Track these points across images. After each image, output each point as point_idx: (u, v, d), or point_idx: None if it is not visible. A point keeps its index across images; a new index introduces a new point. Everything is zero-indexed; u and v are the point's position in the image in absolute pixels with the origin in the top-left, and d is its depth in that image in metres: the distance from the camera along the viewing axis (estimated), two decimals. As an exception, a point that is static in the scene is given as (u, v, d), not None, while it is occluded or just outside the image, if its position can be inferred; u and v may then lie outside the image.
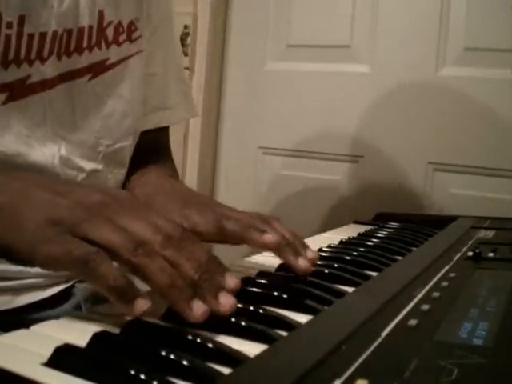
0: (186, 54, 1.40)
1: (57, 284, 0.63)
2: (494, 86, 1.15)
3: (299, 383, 0.24)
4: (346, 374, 0.25)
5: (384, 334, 0.30)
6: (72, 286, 0.66)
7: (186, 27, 1.39)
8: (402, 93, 1.24)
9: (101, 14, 0.63)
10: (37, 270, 0.62)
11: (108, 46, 0.64)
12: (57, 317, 0.36)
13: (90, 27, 0.62)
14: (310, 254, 0.47)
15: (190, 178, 1.45)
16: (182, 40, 1.40)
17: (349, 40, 1.30)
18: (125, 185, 0.70)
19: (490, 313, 0.35)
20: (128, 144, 0.69)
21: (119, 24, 0.65)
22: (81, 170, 0.64)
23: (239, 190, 1.45)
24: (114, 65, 0.65)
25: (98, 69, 0.63)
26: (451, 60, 1.20)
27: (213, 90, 1.44)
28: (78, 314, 0.37)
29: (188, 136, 1.44)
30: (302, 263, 0.45)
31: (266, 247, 0.47)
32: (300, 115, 1.36)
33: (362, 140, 1.29)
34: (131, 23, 0.66)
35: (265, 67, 1.40)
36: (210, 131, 1.46)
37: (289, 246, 0.46)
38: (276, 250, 0.46)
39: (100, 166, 0.66)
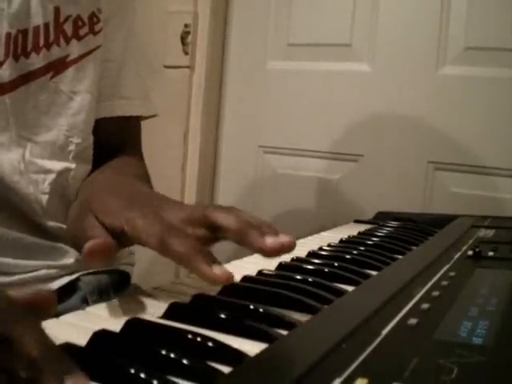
0: (186, 53, 1.40)
1: (60, 276, 0.63)
2: (494, 85, 1.15)
3: (299, 382, 0.24)
4: (346, 373, 0.25)
5: (384, 332, 0.30)
6: (77, 279, 0.67)
7: (186, 26, 1.39)
8: (402, 92, 1.24)
9: (56, 10, 0.62)
10: (37, 262, 0.63)
11: (68, 41, 0.63)
12: (64, 311, 0.36)
13: (46, 25, 0.61)
14: (283, 238, 0.38)
15: (190, 177, 1.45)
16: (183, 39, 1.40)
17: (349, 39, 1.30)
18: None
19: (490, 312, 0.35)
20: (93, 141, 0.67)
21: (78, 18, 0.64)
22: (48, 171, 0.62)
23: (239, 190, 1.45)
24: (75, 60, 0.64)
25: (58, 66, 0.62)
26: (452, 59, 1.20)
27: (213, 89, 1.44)
28: (78, 312, 0.37)
29: (188, 135, 1.44)
30: (269, 242, 0.37)
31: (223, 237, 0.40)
32: (300, 114, 1.36)
33: (362, 139, 1.29)
34: (92, 15, 0.65)
35: (265, 66, 1.40)
36: (210, 130, 1.46)
37: (253, 228, 0.38)
38: (238, 233, 0.39)
39: (72, 165, 0.65)
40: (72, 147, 0.64)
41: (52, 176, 0.63)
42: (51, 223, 0.64)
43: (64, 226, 0.65)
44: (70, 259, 0.65)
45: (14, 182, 0.59)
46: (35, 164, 0.61)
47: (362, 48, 1.29)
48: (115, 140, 0.72)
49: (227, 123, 1.47)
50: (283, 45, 1.38)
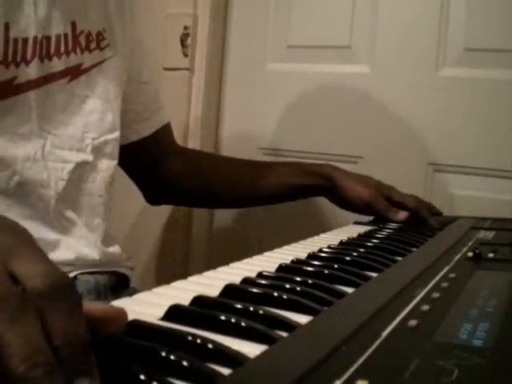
0: (185, 55, 1.40)
1: None
2: (494, 86, 1.15)
3: (299, 384, 0.24)
4: (346, 375, 0.25)
5: (384, 334, 0.30)
6: (75, 278, 0.67)
7: (185, 28, 1.39)
8: (401, 93, 1.24)
9: (73, 24, 0.70)
10: None
11: (82, 52, 0.72)
12: None
13: (65, 35, 0.69)
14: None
15: (190, 178, 1.45)
16: (182, 41, 1.40)
17: (349, 40, 1.30)
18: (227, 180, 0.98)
19: (490, 313, 0.35)
20: (114, 137, 0.76)
21: (89, 33, 0.73)
22: (67, 161, 0.69)
23: (239, 191, 1.45)
24: (88, 69, 0.73)
25: (74, 72, 0.71)
26: (451, 60, 1.20)
27: (213, 91, 1.44)
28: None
29: (188, 138, 1.44)
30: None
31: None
32: (300, 116, 1.36)
33: (361, 141, 1.29)
34: (99, 33, 0.75)
35: (265, 68, 1.40)
36: (210, 133, 1.46)
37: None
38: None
39: (90, 158, 0.72)
40: (88, 141, 0.72)
41: (71, 165, 0.70)
42: (64, 211, 0.69)
43: (75, 219, 0.70)
44: (71, 254, 0.67)
45: (25, 168, 0.64)
46: (55, 154, 0.68)
47: (362, 50, 1.29)
48: (172, 141, 0.95)
49: (227, 125, 1.47)
50: (283, 47, 1.38)
